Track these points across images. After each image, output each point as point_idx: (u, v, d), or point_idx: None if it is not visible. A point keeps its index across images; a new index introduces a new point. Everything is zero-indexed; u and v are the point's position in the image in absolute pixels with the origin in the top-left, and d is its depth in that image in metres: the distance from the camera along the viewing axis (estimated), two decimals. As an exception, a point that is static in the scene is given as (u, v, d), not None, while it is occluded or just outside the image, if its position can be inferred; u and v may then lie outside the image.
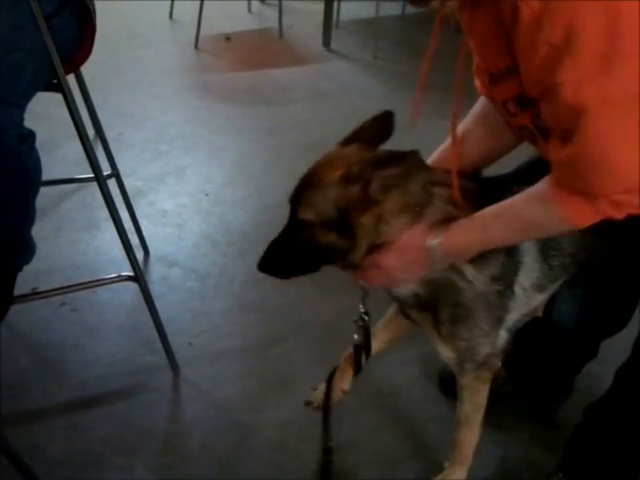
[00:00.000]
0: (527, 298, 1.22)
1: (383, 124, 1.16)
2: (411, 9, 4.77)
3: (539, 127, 1.01)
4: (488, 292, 1.16)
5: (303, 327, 1.89)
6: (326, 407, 1.36)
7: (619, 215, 0.91)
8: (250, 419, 1.59)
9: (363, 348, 1.35)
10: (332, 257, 1.13)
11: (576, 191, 0.92)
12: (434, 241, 1.06)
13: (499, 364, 1.31)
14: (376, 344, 1.42)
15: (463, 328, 1.19)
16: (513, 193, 1.05)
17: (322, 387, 1.47)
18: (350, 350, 1.41)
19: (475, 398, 1.31)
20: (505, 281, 1.17)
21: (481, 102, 1.23)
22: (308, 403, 1.51)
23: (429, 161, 1.22)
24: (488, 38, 0.96)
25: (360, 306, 1.32)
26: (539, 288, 1.23)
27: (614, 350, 1.75)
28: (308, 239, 1.10)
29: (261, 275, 2.10)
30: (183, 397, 1.67)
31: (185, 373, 1.71)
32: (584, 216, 0.94)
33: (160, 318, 1.65)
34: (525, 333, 1.61)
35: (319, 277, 2.00)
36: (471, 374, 1.26)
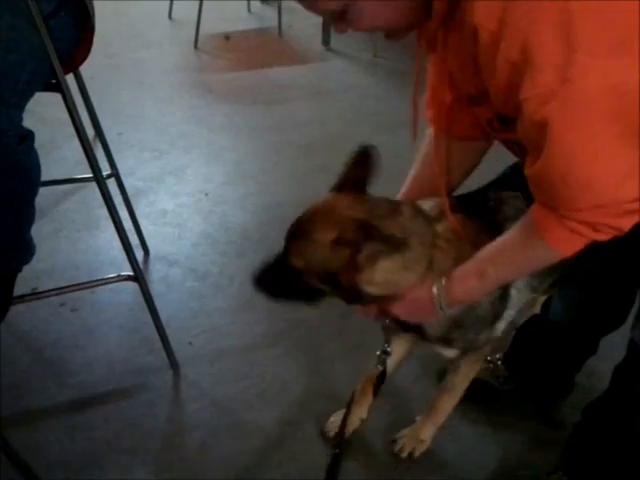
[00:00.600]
0: (521, 298, 1.26)
1: (366, 163, 1.16)
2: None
3: (522, 144, 1.02)
4: (493, 298, 1.20)
5: (303, 327, 1.89)
6: (341, 439, 1.36)
7: (600, 237, 0.91)
8: (250, 419, 1.59)
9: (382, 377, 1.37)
10: (325, 296, 1.15)
11: (553, 215, 0.91)
12: (436, 291, 1.09)
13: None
14: (391, 363, 1.46)
15: (467, 333, 1.24)
16: (492, 200, 1.12)
17: (338, 417, 1.49)
18: (365, 377, 1.48)
19: (469, 372, 1.40)
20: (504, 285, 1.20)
21: (427, 141, 1.24)
22: (324, 434, 1.53)
23: (401, 195, 1.27)
24: (466, 62, 0.94)
25: (385, 345, 1.36)
26: (533, 288, 1.27)
27: (614, 347, 1.75)
28: (298, 280, 1.12)
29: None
30: (183, 396, 1.67)
31: (185, 372, 1.71)
32: (565, 243, 0.94)
33: (160, 318, 1.65)
34: (524, 332, 1.62)
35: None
36: (470, 357, 1.35)
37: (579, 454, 1.39)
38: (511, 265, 1.05)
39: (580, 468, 1.38)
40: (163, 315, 1.67)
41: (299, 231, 1.12)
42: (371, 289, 1.09)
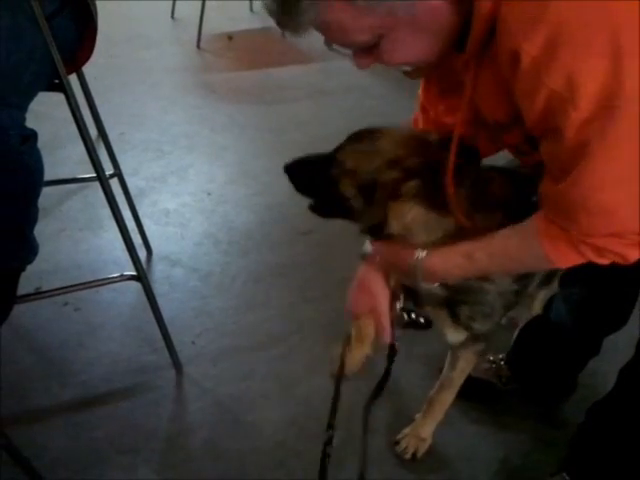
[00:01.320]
0: (532, 295, 1.31)
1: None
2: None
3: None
4: (508, 291, 1.22)
5: (306, 326, 1.89)
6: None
7: (602, 261, 0.91)
8: (253, 418, 1.59)
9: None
10: (344, 209, 1.17)
11: (561, 230, 0.91)
12: (418, 258, 1.09)
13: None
14: None
15: (478, 322, 1.25)
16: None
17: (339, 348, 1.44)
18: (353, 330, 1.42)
19: (466, 367, 1.42)
20: (524, 282, 1.23)
21: None
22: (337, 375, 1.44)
23: None
24: (494, 92, 0.94)
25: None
26: (542, 283, 1.31)
27: (617, 347, 1.75)
28: (334, 181, 1.14)
29: (264, 274, 2.12)
30: (186, 396, 1.67)
31: (188, 372, 1.71)
32: (565, 258, 0.94)
33: (163, 317, 1.66)
34: (527, 332, 1.61)
35: (322, 278, 2.01)
36: (470, 349, 1.37)
37: (582, 455, 1.38)
38: (501, 258, 1.05)
39: (583, 469, 1.38)
40: (166, 314, 1.67)
41: (365, 136, 1.13)
42: (392, 222, 1.09)
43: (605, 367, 1.61)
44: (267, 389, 1.68)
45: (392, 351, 1.36)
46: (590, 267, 1.32)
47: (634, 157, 0.79)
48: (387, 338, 1.24)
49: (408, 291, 1.29)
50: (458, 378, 1.43)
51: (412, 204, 1.06)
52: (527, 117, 0.88)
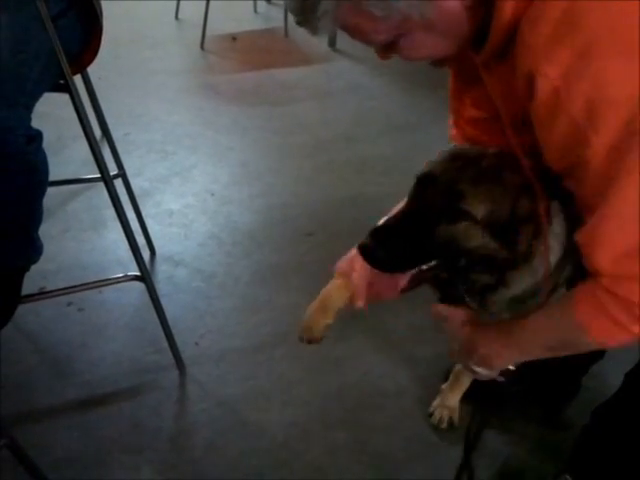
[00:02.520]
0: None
1: None
2: (417, 9, 4.76)
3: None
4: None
5: (309, 327, 1.89)
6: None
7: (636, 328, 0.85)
8: (256, 419, 1.59)
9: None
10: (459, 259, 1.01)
11: (594, 295, 0.86)
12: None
13: None
14: None
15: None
16: None
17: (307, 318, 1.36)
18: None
19: None
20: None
21: None
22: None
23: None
24: (509, 93, 0.93)
25: None
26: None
27: (621, 350, 1.74)
28: (450, 234, 0.97)
29: (267, 275, 2.12)
30: (189, 396, 1.67)
31: (191, 372, 1.71)
32: (606, 331, 0.88)
33: (166, 318, 1.66)
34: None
35: (326, 279, 2.00)
36: None
37: (586, 456, 1.38)
38: (542, 332, 1.00)
39: (587, 471, 1.37)
40: (169, 315, 1.68)
41: (484, 172, 0.96)
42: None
43: (608, 370, 1.61)
44: (270, 390, 1.68)
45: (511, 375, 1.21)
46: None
47: None
48: (360, 302, 1.20)
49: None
50: None
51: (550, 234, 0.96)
52: (546, 146, 0.87)
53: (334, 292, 1.31)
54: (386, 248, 0.98)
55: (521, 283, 1.06)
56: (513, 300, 1.10)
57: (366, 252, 1.00)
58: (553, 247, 1.01)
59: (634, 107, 0.74)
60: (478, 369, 1.08)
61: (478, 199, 0.95)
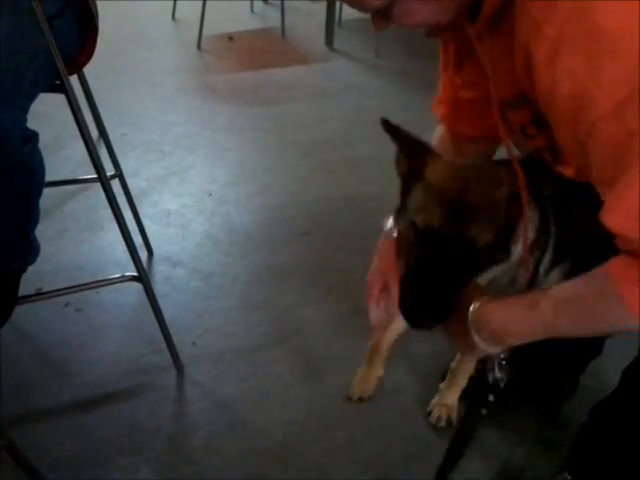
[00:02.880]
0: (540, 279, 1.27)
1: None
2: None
3: (555, 152, 1.00)
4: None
5: (306, 327, 1.89)
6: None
7: None
8: (254, 418, 1.59)
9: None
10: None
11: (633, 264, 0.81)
12: (472, 308, 0.99)
13: None
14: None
15: None
16: None
17: (359, 382, 1.55)
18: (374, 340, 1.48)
19: None
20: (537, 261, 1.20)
21: (437, 137, 1.24)
22: (349, 398, 1.55)
23: None
24: (506, 66, 0.93)
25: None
26: (546, 271, 1.28)
27: (619, 347, 1.74)
28: (480, 263, 1.01)
29: (265, 275, 2.12)
30: (187, 397, 1.67)
31: (189, 373, 1.71)
32: None
33: (164, 318, 1.66)
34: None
35: (323, 278, 2.00)
36: None
37: (585, 454, 1.38)
38: (570, 308, 0.92)
39: (585, 469, 1.38)
40: (167, 315, 1.68)
41: (478, 206, 0.98)
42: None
43: (606, 368, 1.62)
44: (268, 389, 1.68)
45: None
46: (592, 267, 1.33)
47: None
48: (395, 311, 1.12)
49: None
50: None
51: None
52: (555, 119, 0.86)
53: (380, 345, 1.47)
54: (433, 310, 1.00)
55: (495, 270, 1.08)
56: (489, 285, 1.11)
57: (420, 325, 1.02)
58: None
59: (635, 57, 0.72)
60: (485, 346, 1.01)
61: (484, 228, 0.97)
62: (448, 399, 1.57)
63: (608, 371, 1.42)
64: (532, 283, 1.24)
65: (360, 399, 1.54)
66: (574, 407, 1.59)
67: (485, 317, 0.98)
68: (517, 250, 1.06)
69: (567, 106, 0.80)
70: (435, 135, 1.26)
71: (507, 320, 0.97)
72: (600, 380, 1.59)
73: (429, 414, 1.58)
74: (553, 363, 1.57)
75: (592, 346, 1.53)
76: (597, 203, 0.85)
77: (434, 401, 1.59)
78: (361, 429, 1.57)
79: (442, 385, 1.60)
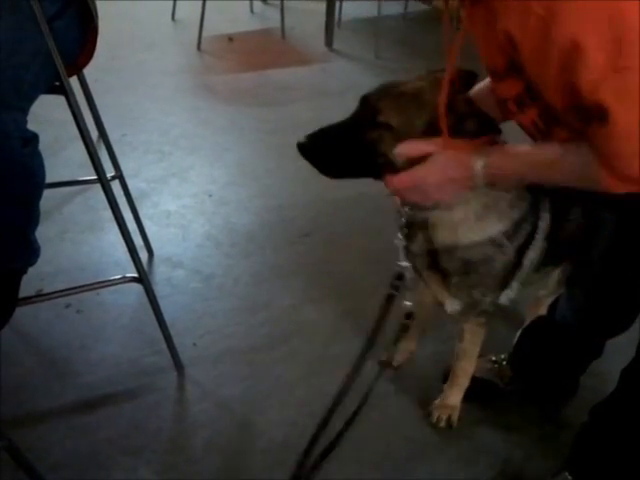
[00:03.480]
0: (528, 273, 1.33)
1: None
2: (413, 8, 4.77)
3: (546, 121, 1.02)
4: (509, 262, 1.28)
5: (307, 328, 1.89)
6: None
7: None
8: (254, 419, 1.59)
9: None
10: (377, 166, 1.19)
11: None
12: (480, 161, 1.07)
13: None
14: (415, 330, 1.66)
15: (474, 290, 1.32)
16: None
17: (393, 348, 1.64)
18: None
19: (474, 337, 1.48)
20: (519, 252, 1.28)
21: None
22: (385, 364, 1.62)
23: None
24: (488, 35, 0.97)
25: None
26: (537, 267, 1.34)
27: (619, 348, 1.74)
28: (371, 141, 1.17)
29: (265, 276, 2.12)
30: (188, 397, 1.67)
31: (190, 373, 1.71)
32: (620, 187, 0.93)
33: (164, 319, 1.66)
34: (530, 333, 1.61)
35: (324, 279, 2.01)
36: (472, 320, 1.43)
37: (585, 454, 1.38)
38: (562, 168, 1.03)
39: (586, 469, 1.38)
40: (167, 316, 1.68)
41: (402, 93, 1.18)
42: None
43: (606, 368, 1.61)
44: (268, 390, 1.68)
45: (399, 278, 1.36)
46: (598, 269, 1.34)
47: None
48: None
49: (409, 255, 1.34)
50: (470, 349, 1.50)
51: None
52: (546, 85, 0.91)
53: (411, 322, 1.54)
54: (321, 147, 1.22)
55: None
56: None
57: (302, 149, 1.21)
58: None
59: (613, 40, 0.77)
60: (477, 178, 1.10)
61: (392, 112, 1.15)
62: (450, 400, 1.58)
63: (608, 373, 1.42)
64: (513, 271, 1.31)
65: (389, 364, 1.66)
66: (575, 407, 1.59)
67: (490, 171, 1.07)
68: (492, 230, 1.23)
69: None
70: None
71: (507, 173, 1.09)
72: (600, 380, 1.59)
73: (429, 415, 1.58)
74: (554, 364, 1.57)
75: (593, 348, 1.53)
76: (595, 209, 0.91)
77: (436, 402, 1.60)
78: (362, 430, 1.56)
79: (445, 386, 1.60)
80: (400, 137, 1.14)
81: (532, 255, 1.30)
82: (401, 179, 1.15)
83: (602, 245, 1.30)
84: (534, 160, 1.06)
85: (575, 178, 1.01)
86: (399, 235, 1.33)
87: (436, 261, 1.30)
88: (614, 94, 0.81)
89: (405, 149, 1.14)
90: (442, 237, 1.26)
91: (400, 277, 1.35)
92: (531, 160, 1.07)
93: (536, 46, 0.86)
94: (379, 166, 1.19)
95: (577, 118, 0.91)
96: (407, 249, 1.34)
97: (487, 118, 1.16)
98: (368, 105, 1.21)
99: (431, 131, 1.12)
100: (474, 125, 1.12)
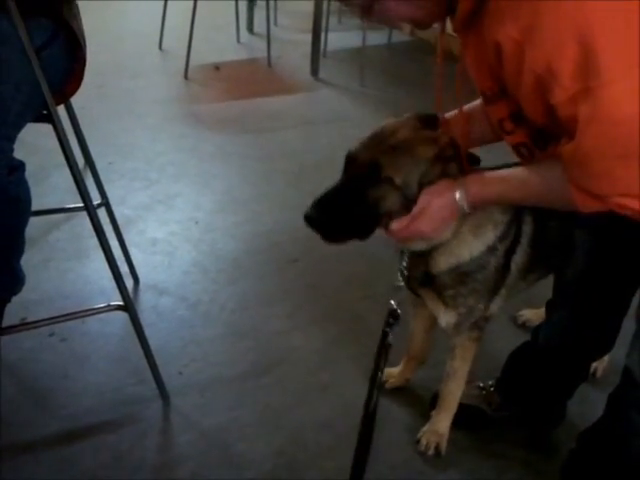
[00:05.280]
0: (515, 278, 1.37)
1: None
2: (397, 39, 4.85)
3: (536, 142, 1.05)
4: (500, 265, 1.32)
5: (294, 355, 1.88)
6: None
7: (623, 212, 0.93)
8: (241, 449, 1.57)
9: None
10: (380, 220, 1.20)
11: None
12: (460, 194, 1.14)
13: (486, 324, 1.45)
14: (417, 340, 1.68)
15: (469, 298, 1.33)
16: None
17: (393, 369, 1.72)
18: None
19: (465, 354, 1.48)
20: (507, 256, 1.32)
21: None
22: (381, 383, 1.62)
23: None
24: (481, 61, 1.00)
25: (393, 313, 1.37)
26: (523, 274, 1.38)
27: (607, 373, 1.75)
28: (375, 199, 1.16)
29: (252, 302, 2.11)
30: (173, 427, 1.64)
31: (175, 403, 1.69)
32: (588, 206, 0.96)
33: (150, 347, 1.64)
34: (516, 358, 1.62)
35: (311, 306, 2.01)
36: (465, 334, 1.43)
37: (573, 480, 1.38)
38: (536, 188, 1.07)
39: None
40: (153, 344, 1.66)
41: (395, 148, 1.16)
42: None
43: (594, 393, 1.62)
44: (255, 419, 1.66)
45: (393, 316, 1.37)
46: (577, 292, 1.36)
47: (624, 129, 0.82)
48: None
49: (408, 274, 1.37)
50: (460, 368, 1.49)
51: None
52: (524, 103, 0.94)
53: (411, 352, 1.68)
54: (328, 215, 1.17)
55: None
56: None
57: (311, 221, 1.17)
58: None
59: (583, 65, 0.79)
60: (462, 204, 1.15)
61: (394, 168, 1.15)
62: (438, 426, 1.57)
63: (596, 398, 1.42)
64: (503, 273, 1.34)
65: (383, 384, 1.62)
66: (563, 434, 1.59)
67: (471, 199, 1.14)
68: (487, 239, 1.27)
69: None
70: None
71: (487, 197, 1.15)
72: (588, 407, 1.59)
73: (418, 442, 1.57)
74: (540, 389, 1.57)
75: (577, 371, 1.54)
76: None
77: (425, 428, 1.59)
78: (350, 458, 1.54)
79: (433, 412, 1.59)
80: (402, 192, 1.16)
81: (518, 259, 1.34)
82: (400, 233, 1.21)
83: (578, 267, 1.32)
84: (511, 183, 1.12)
85: (550, 198, 1.07)
86: (402, 264, 1.36)
87: (433, 280, 1.33)
88: (584, 113, 0.83)
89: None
90: (444, 263, 1.30)
91: (394, 315, 1.35)
92: (508, 183, 1.12)
93: (513, 69, 0.89)
94: (380, 222, 1.21)
95: (557, 133, 0.94)
96: (408, 276, 1.37)
97: (470, 156, 1.22)
98: (362, 162, 1.18)
99: (426, 183, 1.17)
100: (455, 169, 1.18)
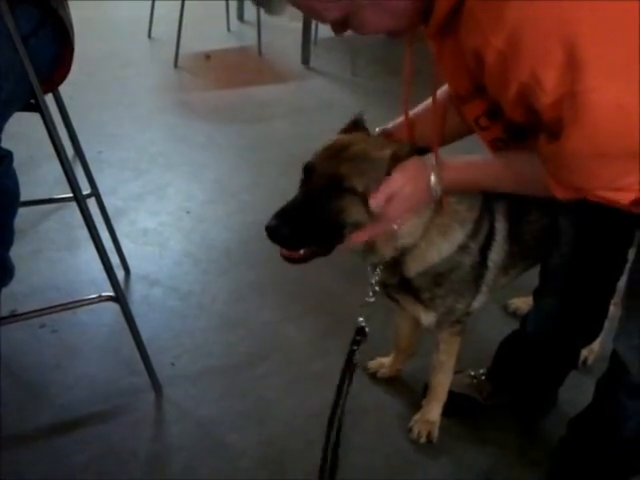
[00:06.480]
0: (494, 275, 1.37)
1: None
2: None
3: (512, 135, 1.04)
4: (475, 263, 1.31)
5: (286, 345, 1.88)
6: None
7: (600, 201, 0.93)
8: (233, 439, 1.57)
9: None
10: (343, 230, 1.18)
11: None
12: (434, 179, 1.13)
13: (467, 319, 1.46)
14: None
15: (446, 298, 1.34)
16: None
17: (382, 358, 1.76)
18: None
19: (449, 348, 1.49)
20: (482, 254, 1.32)
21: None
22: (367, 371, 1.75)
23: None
24: (456, 65, 0.99)
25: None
26: (503, 270, 1.38)
27: (595, 361, 1.77)
28: (338, 209, 1.15)
29: (243, 293, 2.11)
30: (166, 418, 1.64)
31: (167, 393, 1.69)
32: (563, 194, 0.96)
33: (142, 338, 1.63)
34: (506, 346, 1.63)
35: (302, 296, 2.00)
36: (447, 330, 1.45)
37: (565, 467, 1.39)
38: (514, 175, 1.08)
39: (566, 481, 1.39)
40: (145, 335, 1.65)
41: (354, 156, 1.16)
42: None
43: (585, 380, 1.64)
44: (248, 409, 1.66)
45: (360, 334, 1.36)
46: (563, 279, 1.37)
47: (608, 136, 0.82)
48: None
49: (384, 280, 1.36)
50: (447, 360, 1.51)
51: None
52: (506, 106, 0.93)
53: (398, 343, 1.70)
54: (289, 226, 1.16)
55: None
56: None
57: (272, 232, 1.15)
58: None
59: (567, 71, 0.78)
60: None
61: (355, 176, 1.14)
62: (429, 415, 1.58)
63: (586, 385, 1.44)
64: (480, 271, 1.34)
65: (374, 374, 1.75)
66: (554, 421, 1.60)
67: (446, 184, 1.13)
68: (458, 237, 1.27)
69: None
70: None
71: (462, 179, 1.15)
72: (579, 394, 1.60)
73: (410, 430, 1.58)
74: (530, 376, 1.58)
75: (567, 358, 1.55)
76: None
77: (416, 417, 1.60)
78: (343, 447, 1.55)
79: (423, 402, 1.60)
80: (364, 200, 1.14)
81: (495, 257, 1.34)
82: (374, 230, 1.19)
83: (563, 254, 1.33)
84: (485, 169, 1.13)
85: (525, 184, 1.08)
86: (374, 273, 1.34)
87: (408, 284, 1.33)
88: (568, 116, 0.82)
89: (378, 201, 1.16)
90: (416, 266, 1.29)
91: (361, 332, 1.35)
92: (483, 169, 1.13)
93: (496, 77, 0.88)
94: (343, 235, 1.18)
95: (537, 130, 0.94)
96: (382, 284, 1.35)
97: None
98: (322, 173, 1.17)
99: None
100: None
